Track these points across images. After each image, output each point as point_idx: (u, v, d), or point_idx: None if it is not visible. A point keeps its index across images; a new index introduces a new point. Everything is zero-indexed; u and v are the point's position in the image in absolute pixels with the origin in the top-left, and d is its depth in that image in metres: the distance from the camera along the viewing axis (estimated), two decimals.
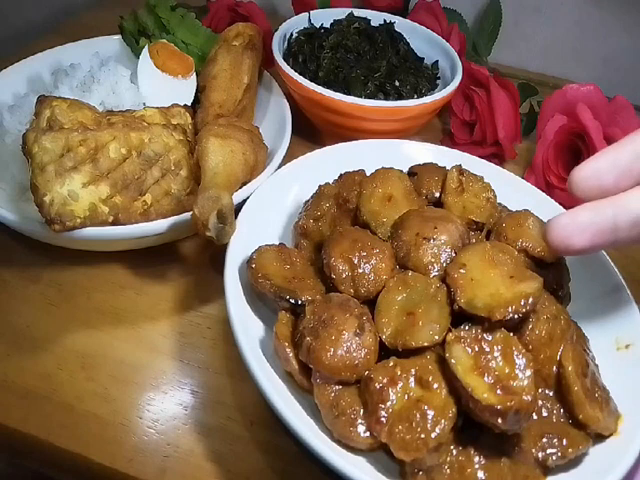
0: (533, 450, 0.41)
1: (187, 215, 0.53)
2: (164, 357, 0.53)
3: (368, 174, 0.55)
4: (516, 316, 0.41)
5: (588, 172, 0.39)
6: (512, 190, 0.59)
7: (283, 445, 0.47)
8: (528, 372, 0.40)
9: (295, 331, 0.45)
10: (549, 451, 0.41)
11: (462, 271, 0.44)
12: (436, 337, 0.42)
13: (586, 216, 0.38)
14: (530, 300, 0.42)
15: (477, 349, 0.41)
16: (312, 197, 0.56)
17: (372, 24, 0.81)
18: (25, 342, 0.53)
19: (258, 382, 0.42)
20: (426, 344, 0.42)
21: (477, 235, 0.53)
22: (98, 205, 0.52)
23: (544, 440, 0.41)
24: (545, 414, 0.43)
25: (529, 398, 0.39)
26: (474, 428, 0.40)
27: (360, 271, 0.46)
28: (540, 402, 0.43)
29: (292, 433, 0.40)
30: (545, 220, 0.52)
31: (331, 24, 0.81)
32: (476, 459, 0.41)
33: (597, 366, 0.47)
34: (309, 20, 0.81)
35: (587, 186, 0.39)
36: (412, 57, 0.80)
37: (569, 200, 0.52)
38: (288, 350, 0.44)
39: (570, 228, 0.38)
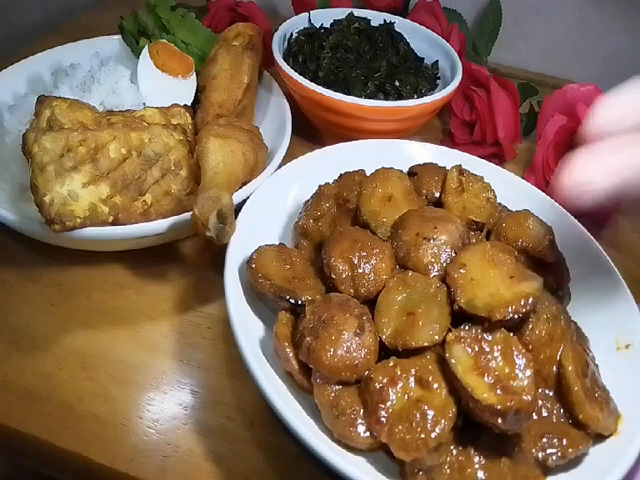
0: (533, 450, 0.41)
1: (187, 215, 0.53)
2: (164, 357, 0.53)
3: (368, 174, 0.55)
4: (516, 316, 0.41)
5: (605, 115, 0.36)
6: (512, 190, 0.59)
7: (283, 445, 0.47)
8: (528, 372, 0.40)
9: (295, 331, 0.45)
10: (549, 451, 0.41)
11: (462, 271, 0.45)
12: (436, 337, 0.42)
13: (606, 150, 0.34)
14: (530, 300, 0.42)
15: (477, 349, 0.41)
16: (312, 197, 0.56)
17: (372, 24, 0.81)
18: (25, 342, 0.53)
19: (258, 382, 0.42)
20: (426, 344, 0.42)
21: (477, 235, 0.53)
22: (98, 205, 0.52)
23: (544, 440, 0.41)
24: (545, 414, 0.43)
25: (529, 398, 0.39)
26: (474, 428, 0.41)
27: (360, 271, 0.46)
28: (540, 402, 0.43)
29: (292, 433, 0.40)
30: (545, 220, 0.52)
31: (331, 24, 0.81)
32: (476, 459, 0.41)
33: (597, 366, 0.47)
34: (309, 20, 0.81)
35: (604, 126, 0.36)
36: (412, 57, 0.80)
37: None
38: (288, 350, 0.44)
39: (592, 166, 0.34)
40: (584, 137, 0.36)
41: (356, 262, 0.46)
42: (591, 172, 0.34)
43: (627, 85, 0.36)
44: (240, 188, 0.57)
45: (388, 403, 0.40)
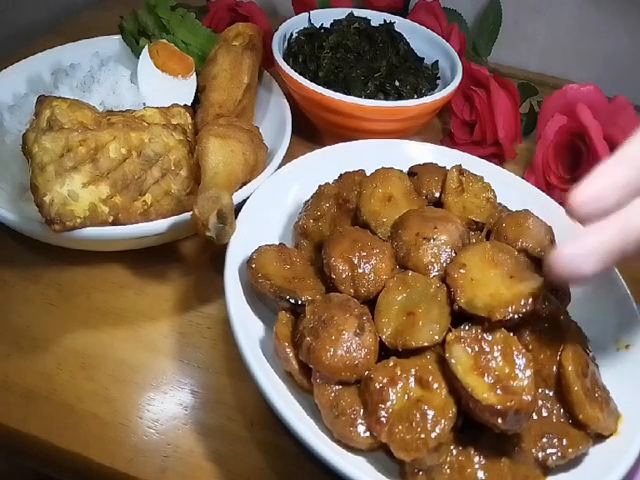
0: (533, 450, 0.41)
1: (187, 215, 0.53)
2: (164, 357, 0.53)
3: (368, 174, 0.55)
4: (516, 316, 0.41)
5: (588, 196, 0.37)
6: (512, 190, 0.59)
7: (283, 445, 0.47)
8: (528, 372, 0.40)
9: (295, 331, 0.45)
10: (549, 451, 0.41)
11: (462, 271, 0.45)
12: (436, 337, 0.42)
13: (592, 241, 0.36)
14: (530, 300, 0.42)
15: (477, 349, 0.41)
16: (312, 197, 0.56)
17: (372, 24, 0.81)
18: (25, 342, 0.53)
19: (258, 382, 0.42)
20: (426, 344, 0.42)
21: (477, 235, 0.53)
22: (98, 205, 0.52)
23: (544, 440, 0.41)
24: (545, 414, 0.43)
25: (529, 398, 0.39)
26: (474, 428, 0.40)
27: (360, 271, 0.46)
28: (540, 402, 0.43)
29: (292, 433, 0.40)
30: (545, 220, 0.52)
31: (331, 24, 0.81)
32: (476, 459, 0.41)
33: (597, 366, 0.47)
34: (309, 20, 0.81)
35: (589, 210, 0.37)
36: (412, 57, 0.80)
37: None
38: (288, 350, 0.44)
39: (577, 257, 0.36)
40: (572, 214, 0.38)
41: (356, 262, 0.46)
42: (580, 265, 0.36)
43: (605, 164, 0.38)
44: (240, 188, 0.57)
45: (388, 403, 0.40)
